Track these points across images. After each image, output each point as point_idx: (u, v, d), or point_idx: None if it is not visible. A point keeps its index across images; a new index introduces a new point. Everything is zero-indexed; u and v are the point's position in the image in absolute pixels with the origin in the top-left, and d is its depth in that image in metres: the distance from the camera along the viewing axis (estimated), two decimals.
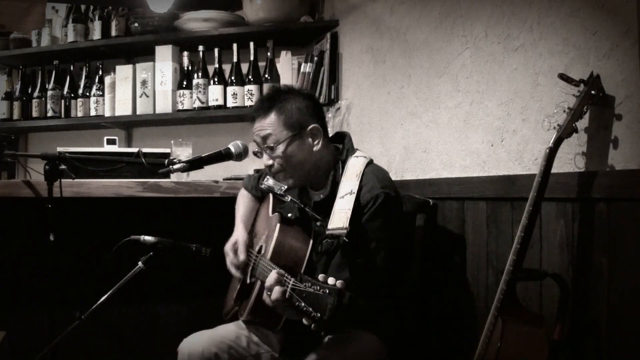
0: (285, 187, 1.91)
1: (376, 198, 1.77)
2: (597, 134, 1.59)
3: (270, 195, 2.13)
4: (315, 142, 1.87)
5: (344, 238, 1.66)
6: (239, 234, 2.05)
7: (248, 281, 1.94)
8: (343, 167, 1.87)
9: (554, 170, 1.56)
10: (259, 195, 2.23)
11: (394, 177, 2.56)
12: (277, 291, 1.48)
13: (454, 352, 2.06)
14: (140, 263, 2.08)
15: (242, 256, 1.96)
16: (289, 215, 1.95)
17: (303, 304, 1.37)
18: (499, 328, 1.56)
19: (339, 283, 1.38)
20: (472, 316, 2.00)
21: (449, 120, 2.25)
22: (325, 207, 1.81)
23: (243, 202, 2.23)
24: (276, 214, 1.95)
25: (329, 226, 1.72)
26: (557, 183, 1.63)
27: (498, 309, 1.58)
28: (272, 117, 1.84)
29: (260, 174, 2.24)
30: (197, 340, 1.93)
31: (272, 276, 1.53)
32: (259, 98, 1.97)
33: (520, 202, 1.74)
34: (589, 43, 1.63)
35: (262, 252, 1.91)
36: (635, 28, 1.48)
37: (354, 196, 1.75)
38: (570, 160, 1.66)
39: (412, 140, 2.49)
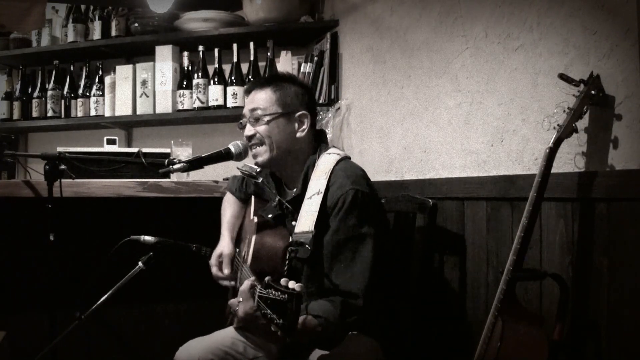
0: (258, 169, 1.90)
1: (345, 195, 1.71)
2: (597, 134, 1.59)
3: (253, 198, 2.12)
4: (300, 129, 1.86)
5: (307, 246, 1.65)
6: (224, 245, 2.06)
7: (237, 288, 1.94)
8: (314, 165, 1.85)
9: (554, 170, 1.56)
10: (243, 197, 2.21)
11: (394, 177, 2.57)
12: (247, 303, 1.51)
13: (454, 352, 2.06)
14: (140, 263, 2.08)
15: (226, 271, 1.99)
16: (269, 216, 1.93)
17: (269, 311, 1.37)
18: (499, 328, 1.56)
19: (297, 287, 1.36)
20: (472, 316, 2.00)
21: (449, 120, 2.25)
22: (298, 205, 1.80)
23: (229, 208, 2.20)
24: (255, 218, 1.94)
25: (296, 229, 1.72)
26: (557, 183, 1.63)
27: (498, 309, 1.58)
28: (266, 92, 1.86)
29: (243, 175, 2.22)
30: (193, 349, 1.92)
31: (243, 286, 1.54)
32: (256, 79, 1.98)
33: (520, 202, 1.74)
34: (589, 43, 1.63)
35: (244, 258, 1.92)
36: (635, 28, 1.48)
37: (321, 196, 1.72)
38: (570, 160, 1.66)
39: (412, 140, 2.49)
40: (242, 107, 3.34)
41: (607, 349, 1.53)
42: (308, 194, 1.77)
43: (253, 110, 1.86)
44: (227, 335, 1.98)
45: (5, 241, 2.50)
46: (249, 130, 1.88)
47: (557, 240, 1.68)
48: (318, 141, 1.93)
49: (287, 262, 1.75)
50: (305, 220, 1.70)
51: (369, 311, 1.70)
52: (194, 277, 2.62)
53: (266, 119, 1.84)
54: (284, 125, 1.85)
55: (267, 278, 1.44)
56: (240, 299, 1.54)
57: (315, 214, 1.68)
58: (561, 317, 1.58)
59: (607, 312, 1.53)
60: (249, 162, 1.98)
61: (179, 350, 1.96)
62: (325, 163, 1.82)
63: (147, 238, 2.13)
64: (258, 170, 1.91)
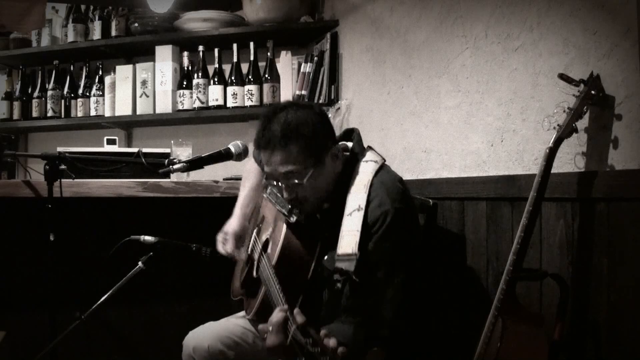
0: (290, 207, 1.77)
1: (385, 215, 1.61)
2: (597, 134, 1.59)
3: None
4: (336, 163, 1.74)
5: (354, 277, 1.55)
6: (233, 224, 1.98)
7: (255, 275, 1.93)
8: (351, 174, 1.73)
9: (554, 170, 1.56)
10: None
11: None
12: (278, 337, 1.43)
13: (454, 352, 2.06)
14: (140, 263, 2.08)
15: (228, 248, 1.92)
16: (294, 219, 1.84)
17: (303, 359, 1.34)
18: (499, 328, 1.56)
19: (340, 351, 1.31)
20: (472, 316, 2.00)
21: (449, 120, 2.25)
22: (332, 217, 1.70)
23: (249, 179, 2.10)
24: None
25: (338, 251, 1.59)
26: (557, 183, 1.63)
27: (498, 309, 1.58)
28: (292, 151, 1.65)
29: None
30: (203, 335, 1.92)
31: (276, 317, 1.45)
32: (266, 126, 1.67)
33: (520, 202, 1.74)
34: (589, 43, 1.63)
35: (268, 250, 1.88)
36: (635, 28, 1.49)
37: (362, 213, 1.61)
38: (570, 160, 1.66)
39: (412, 140, 2.49)
40: (242, 107, 3.41)
41: (607, 349, 1.53)
42: (347, 209, 1.65)
43: (287, 175, 1.67)
44: (237, 324, 1.97)
45: (5, 241, 2.50)
46: (289, 193, 1.70)
47: (557, 240, 1.68)
48: (346, 139, 1.83)
49: (312, 271, 1.72)
50: (348, 241, 1.59)
51: (393, 340, 1.65)
52: (194, 277, 2.63)
53: (306, 182, 1.67)
54: (323, 172, 1.70)
55: (300, 319, 1.38)
56: (271, 329, 1.46)
57: (358, 235, 1.58)
58: (561, 317, 1.58)
59: (607, 312, 1.53)
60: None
61: (188, 335, 1.95)
62: (363, 173, 1.71)
63: (147, 238, 2.13)
64: (289, 208, 1.78)
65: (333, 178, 1.75)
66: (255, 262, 1.94)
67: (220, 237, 1.99)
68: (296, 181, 1.67)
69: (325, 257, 1.72)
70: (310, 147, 1.67)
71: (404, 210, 1.66)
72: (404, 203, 1.68)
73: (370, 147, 1.84)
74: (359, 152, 1.80)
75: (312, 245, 1.75)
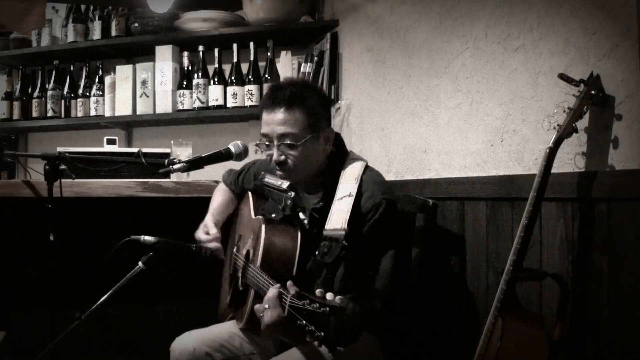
0: (287, 182, 1.84)
1: (378, 206, 1.73)
2: (597, 134, 1.59)
3: (250, 194, 2.11)
4: (327, 145, 1.84)
5: (344, 242, 1.62)
6: (205, 219, 2.12)
7: (240, 288, 1.93)
8: (339, 170, 1.83)
9: (554, 170, 1.56)
10: (238, 192, 2.21)
11: (393, 177, 2.57)
12: (275, 311, 1.48)
13: (454, 352, 2.06)
14: (140, 263, 2.08)
15: (213, 230, 2.05)
16: (273, 215, 1.92)
17: (304, 322, 1.34)
18: (499, 328, 1.56)
19: (337, 299, 1.35)
20: (472, 316, 2.00)
21: (449, 120, 2.25)
22: (323, 211, 1.78)
23: (219, 196, 2.23)
24: (260, 217, 1.91)
25: (327, 226, 1.70)
26: (557, 183, 1.63)
27: (498, 309, 1.58)
28: (296, 115, 1.75)
29: (244, 171, 2.20)
30: (188, 339, 1.94)
31: (271, 293, 1.51)
32: (278, 87, 1.83)
33: (520, 202, 1.74)
34: (589, 43, 1.63)
35: (251, 258, 1.90)
36: (635, 28, 1.49)
37: (352, 199, 1.72)
38: (570, 160, 1.66)
39: (412, 140, 2.49)
40: (242, 107, 3.41)
41: (607, 349, 1.53)
42: (338, 195, 1.77)
43: (284, 136, 1.76)
44: (224, 329, 1.99)
45: (5, 241, 2.50)
46: (278, 156, 1.78)
47: (557, 240, 1.68)
48: (337, 146, 1.90)
49: (296, 267, 1.75)
50: (337, 219, 1.69)
51: (385, 315, 1.72)
52: (194, 277, 2.63)
53: (300, 147, 1.76)
54: (314, 146, 1.79)
55: (290, 285, 1.43)
56: (267, 306, 1.52)
57: (348, 214, 1.68)
58: (561, 317, 1.58)
59: (607, 312, 1.53)
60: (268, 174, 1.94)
61: (174, 341, 1.96)
62: (353, 168, 1.83)
63: (147, 238, 2.13)
64: (287, 184, 1.84)
65: (322, 159, 1.84)
66: (240, 276, 1.95)
67: (201, 231, 2.08)
68: (292, 142, 1.75)
69: (316, 254, 1.75)
70: (311, 118, 1.77)
71: (393, 201, 1.80)
72: (392, 195, 1.82)
73: (350, 151, 1.95)
74: (344, 152, 1.91)
75: (294, 240, 1.80)
